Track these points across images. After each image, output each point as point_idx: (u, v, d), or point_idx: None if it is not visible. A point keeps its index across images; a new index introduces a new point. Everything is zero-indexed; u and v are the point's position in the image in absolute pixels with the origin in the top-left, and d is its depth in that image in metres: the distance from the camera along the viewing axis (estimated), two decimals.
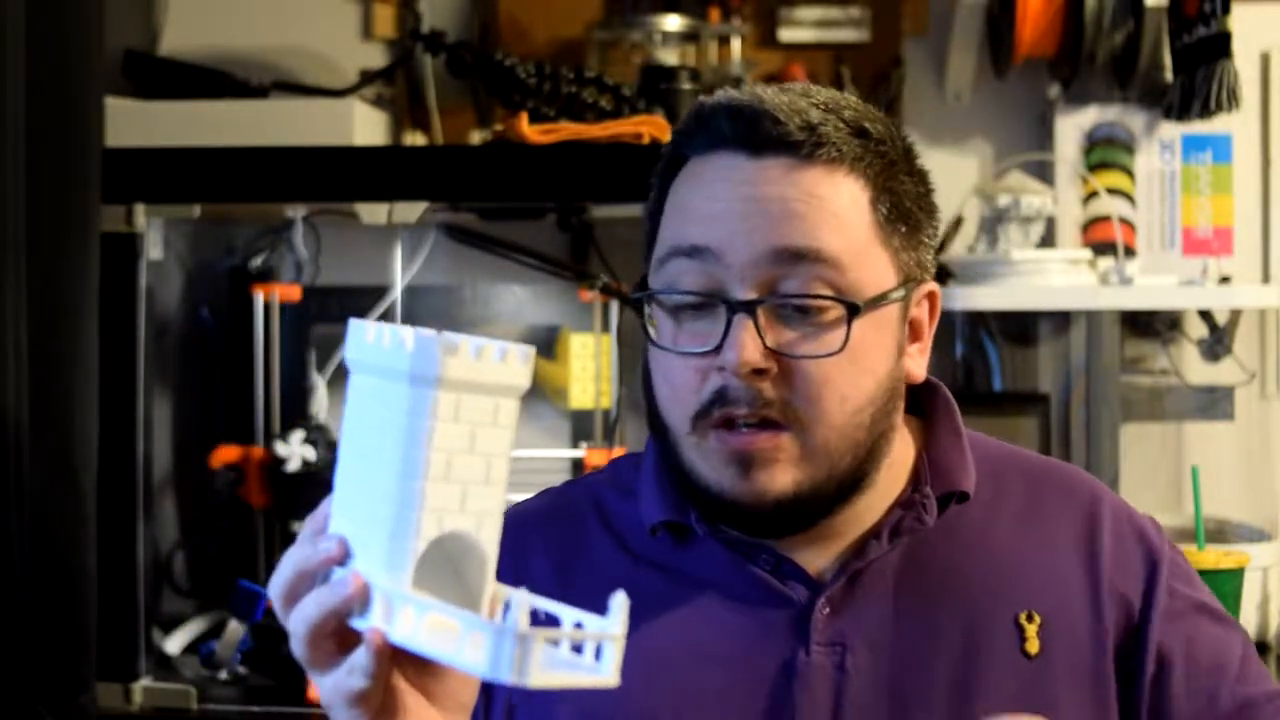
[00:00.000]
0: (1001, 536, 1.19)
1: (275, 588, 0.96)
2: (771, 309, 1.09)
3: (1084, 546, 1.19)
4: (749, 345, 1.08)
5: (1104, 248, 2.35)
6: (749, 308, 1.08)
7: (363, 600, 0.90)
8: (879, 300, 1.11)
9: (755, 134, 1.10)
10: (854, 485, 1.14)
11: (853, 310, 1.09)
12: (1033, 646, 1.15)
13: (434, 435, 0.89)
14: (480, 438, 0.91)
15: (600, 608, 0.91)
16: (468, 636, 0.86)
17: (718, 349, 1.09)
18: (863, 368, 1.11)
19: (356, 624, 0.91)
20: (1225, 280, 2.29)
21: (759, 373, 1.08)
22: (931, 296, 1.18)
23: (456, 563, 0.93)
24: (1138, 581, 1.18)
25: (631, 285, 2.24)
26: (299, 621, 0.93)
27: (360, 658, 0.92)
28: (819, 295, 1.09)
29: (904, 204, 1.14)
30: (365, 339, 0.92)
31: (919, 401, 1.24)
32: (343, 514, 0.93)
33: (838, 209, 1.10)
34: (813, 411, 1.09)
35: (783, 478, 1.10)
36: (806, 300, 1.09)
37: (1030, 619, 1.15)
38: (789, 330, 1.09)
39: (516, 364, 0.91)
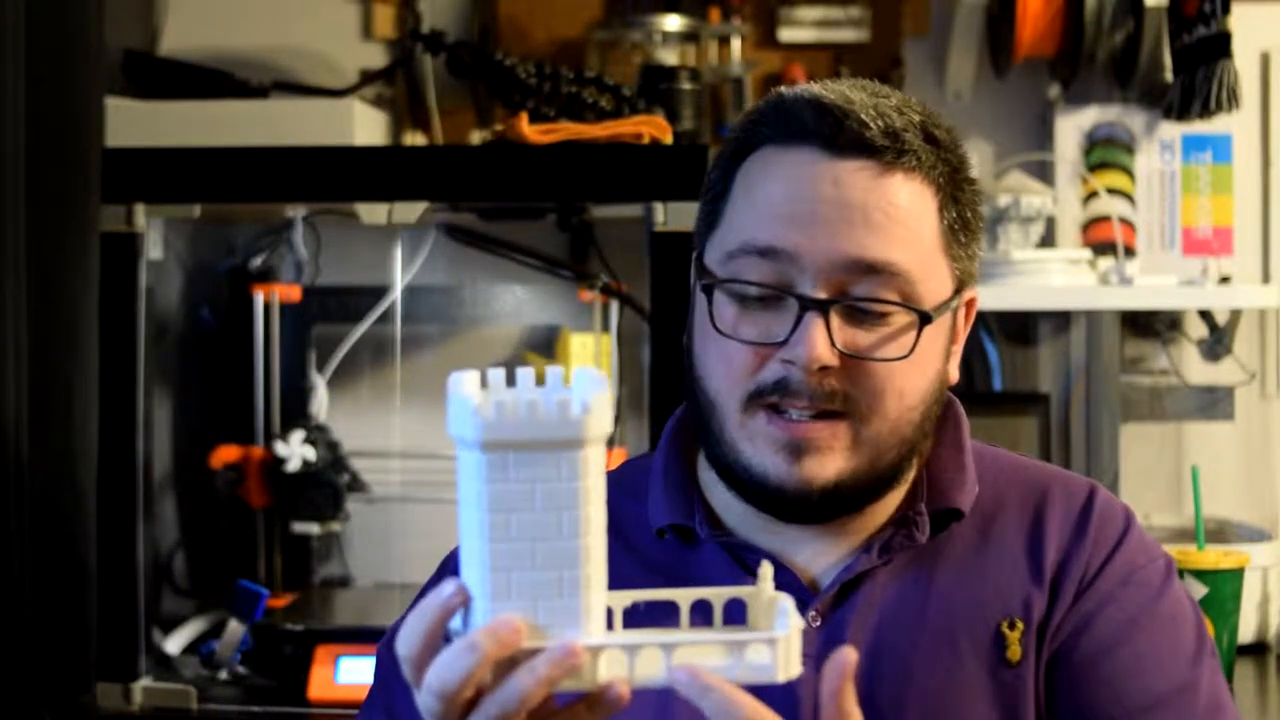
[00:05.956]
0: (996, 549, 1.19)
1: (413, 645, 0.93)
2: (842, 309, 1.10)
3: (1066, 546, 1.19)
4: (820, 343, 1.09)
5: (1104, 248, 2.35)
6: (822, 306, 1.09)
7: (580, 666, 0.91)
8: (942, 308, 1.13)
9: (840, 133, 1.11)
10: (890, 480, 1.16)
11: (924, 319, 1.11)
12: (1014, 654, 1.15)
13: (490, 498, 0.90)
14: (541, 494, 0.91)
15: (643, 617, 0.94)
16: (739, 652, 0.91)
17: (783, 341, 1.10)
18: (921, 369, 1.13)
19: (569, 686, 0.91)
20: (1225, 280, 2.29)
21: (824, 369, 1.10)
22: (970, 302, 1.20)
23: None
24: (1092, 572, 1.18)
25: (631, 285, 2.24)
26: (510, 699, 0.90)
27: (598, 713, 0.92)
28: (893, 301, 1.11)
29: (965, 213, 1.16)
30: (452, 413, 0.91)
31: None
32: (495, 594, 0.92)
33: (911, 220, 1.11)
34: (873, 405, 1.11)
35: (832, 465, 1.11)
36: (881, 304, 1.10)
37: (1012, 626, 1.16)
38: (858, 331, 1.11)
39: (571, 415, 0.90)
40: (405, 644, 0.93)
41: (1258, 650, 2.06)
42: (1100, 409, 2.33)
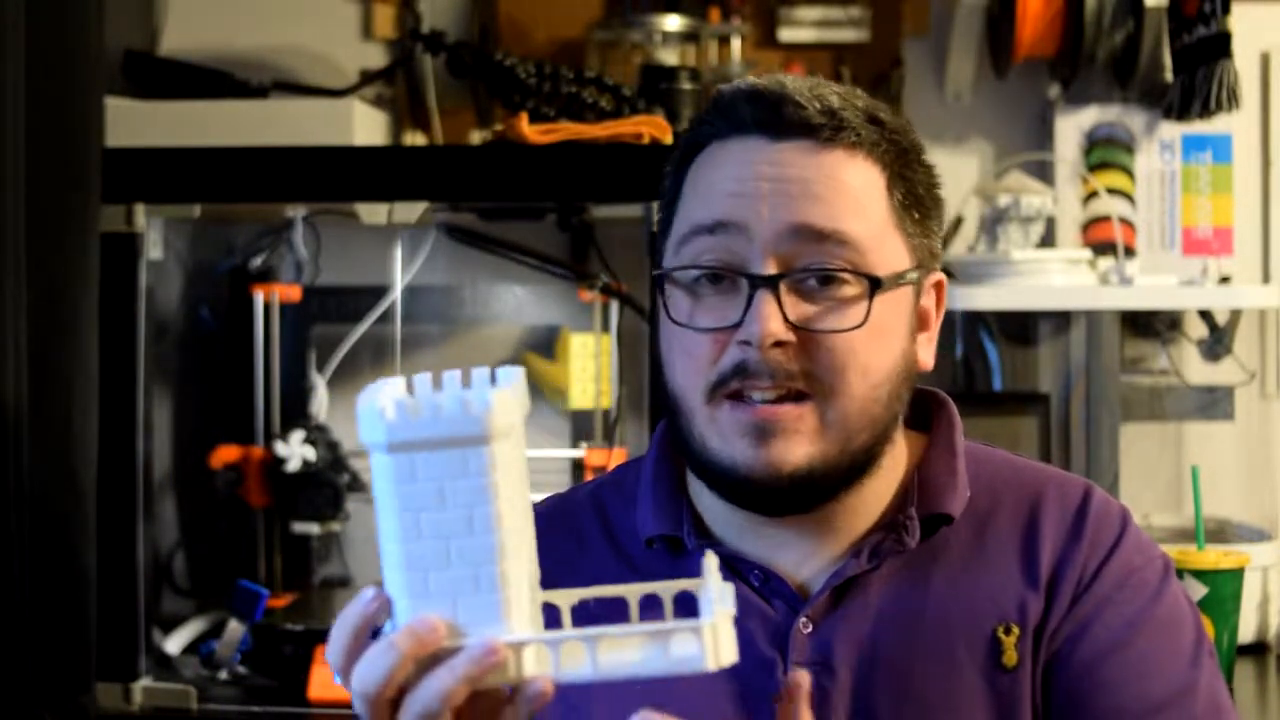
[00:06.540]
0: (990, 552, 1.18)
1: (336, 652, 0.95)
2: (792, 284, 1.10)
3: (1062, 548, 1.17)
4: (772, 318, 1.08)
5: (1104, 248, 2.35)
6: (771, 282, 1.09)
7: (502, 662, 0.91)
8: (898, 278, 1.12)
9: (777, 118, 1.12)
10: (864, 466, 1.14)
11: (874, 284, 1.10)
12: (1010, 659, 1.14)
13: (401, 499, 0.91)
14: (450, 492, 0.91)
15: (597, 614, 0.93)
16: (665, 643, 0.91)
17: (738, 324, 1.10)
18: (882, 343, 1.12)
19: (493, 682, 0.91)
20: (1225, 280, 2.29)
21: (780, 346, 1.09)
22: (939, 286, 1.20)
23: None
24: (1089, 575, 1.16)
25: (631, 285, 2.24)
26: (430, 697, 0.91)
27: (522, 709, 0.93)
28: (841, 270, 1.10)
29: (917, 190, 1.15)
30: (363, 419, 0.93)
31: (924, 414, 1.23)
32: (413, 594, 0.93)
33: (857, 192, 1.11)
34: (837, 382, 1.10)
35: (800, 450, 1.10)
36: (828, 272, 1.10)
37: (1008, 631, 1.15)
38: (810, 305, 1.10)
39: (473, 412, 0.90)
40: (332, 652, 0.95)
41: (1258, 650, 2.06)
42: (1100, 409, 2.33)
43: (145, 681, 2.03)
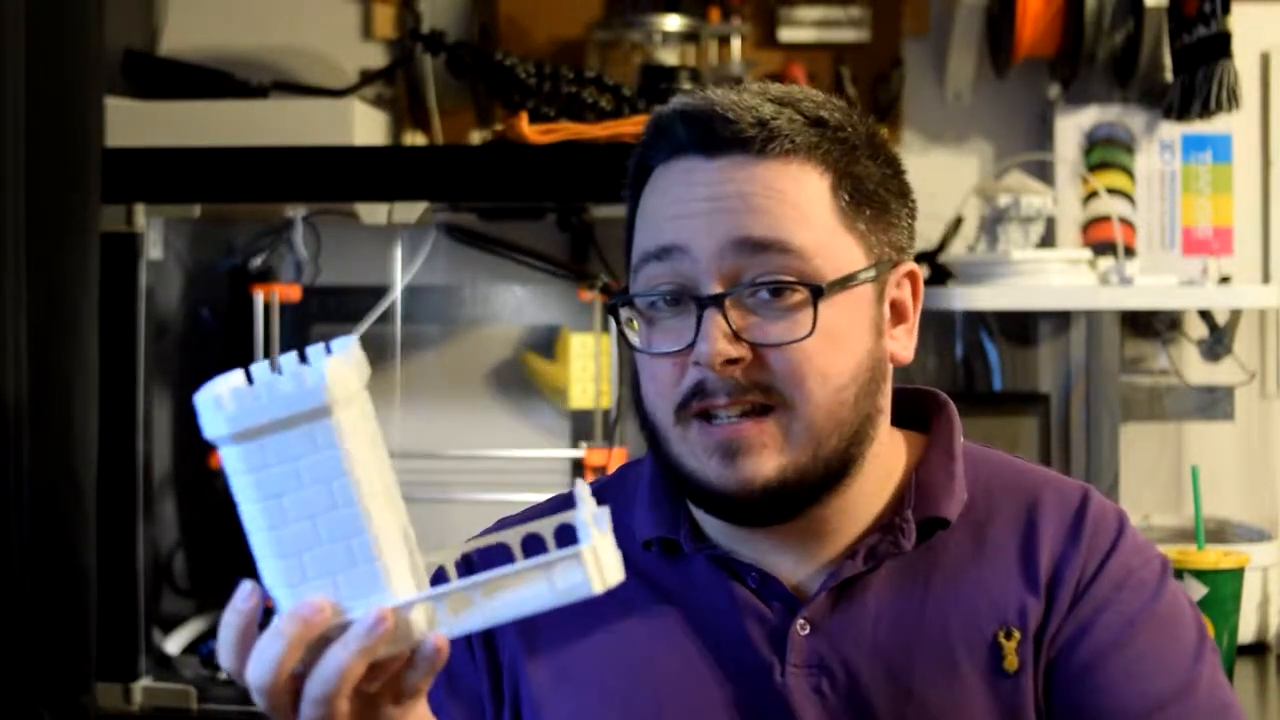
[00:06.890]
0: (989, 555, 1.17)
1: (227, 657, 0.95)
2: (738, 300, 1.10)
3: (1060, 552, 1.17)
4: (718, 337, 1.09)
5: (1104, 248, 2.35)
6: (717, 301, 1.09)
7: (394, 629, 0.91)
8: (845, 281, 1.11)
9: (710, 136, 1.12)
10: (842, 470, 1.13)
11: (816, 292, 1.09)
12: (1011, 663, 1.14)
13: (258, 487, 0.91)
14: (305, 470, 0.91)
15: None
16: (549, 575, 0.90)
17: (691, 345, 1.10)
18: (840, 348, 1.11)
19: (389, 650, 0.91)
20: (1225, 280, 2.29)
21: (733, 363, 1.09)
22: (912, 276, 1.18)
23: None
24: (1088, 578, 1.16)
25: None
26: (328, 677, 0.91)
27: (421, 669, 0.93)
28: (781, 280, 1.10)
29: (867, 187, 1.14)
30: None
31: (923, 416, 1.23)
32: (291, 580, 0.92)
33: (798, 200, 1.11)
34: (796, 392, 1.10)
35: (769, 463, 1.10)
36: (770, 284, 1.10)
37: (1009, 636, 1.14)
38: (758, 318, 1.10)
39: (309, 385, 0.90)
40: (223, 658, 0.95)
41: (1258, 650, 2.06)
42: (1100, 409, 2.33)
43: (145, 681, 2.03)
